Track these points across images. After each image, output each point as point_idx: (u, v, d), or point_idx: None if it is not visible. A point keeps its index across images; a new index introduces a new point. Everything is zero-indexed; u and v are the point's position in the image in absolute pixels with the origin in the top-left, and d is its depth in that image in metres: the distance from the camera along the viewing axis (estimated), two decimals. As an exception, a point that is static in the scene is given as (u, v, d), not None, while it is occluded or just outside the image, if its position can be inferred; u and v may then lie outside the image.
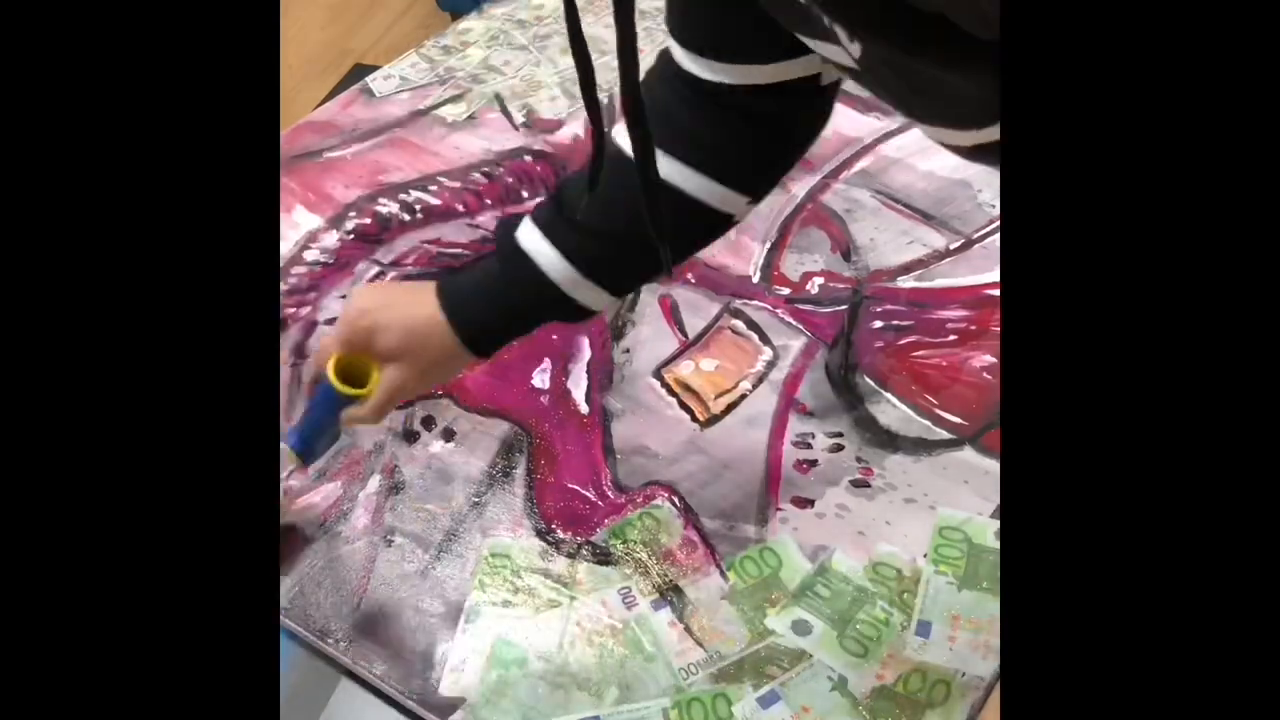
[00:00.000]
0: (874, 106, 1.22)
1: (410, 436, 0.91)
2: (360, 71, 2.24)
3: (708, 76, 0.64)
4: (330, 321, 1.02)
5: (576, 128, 1.24)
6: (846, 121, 1.19)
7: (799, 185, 1.12)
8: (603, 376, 0.94)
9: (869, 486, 0.84)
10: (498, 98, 1.30)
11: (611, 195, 0.68)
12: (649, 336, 0.98)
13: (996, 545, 0.79)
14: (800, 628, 0.75)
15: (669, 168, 0.66)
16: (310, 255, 1.09)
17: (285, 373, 0.97)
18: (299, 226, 1.12)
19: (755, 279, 1.02)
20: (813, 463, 0.86)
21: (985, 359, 0.93)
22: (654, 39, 1.31)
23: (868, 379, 0.93)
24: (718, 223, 0.70)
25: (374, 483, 0.87)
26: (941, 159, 1.14)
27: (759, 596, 0.77)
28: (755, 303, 1.00)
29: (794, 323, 0.98)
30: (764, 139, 0.67)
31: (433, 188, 1.17)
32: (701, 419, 0.90)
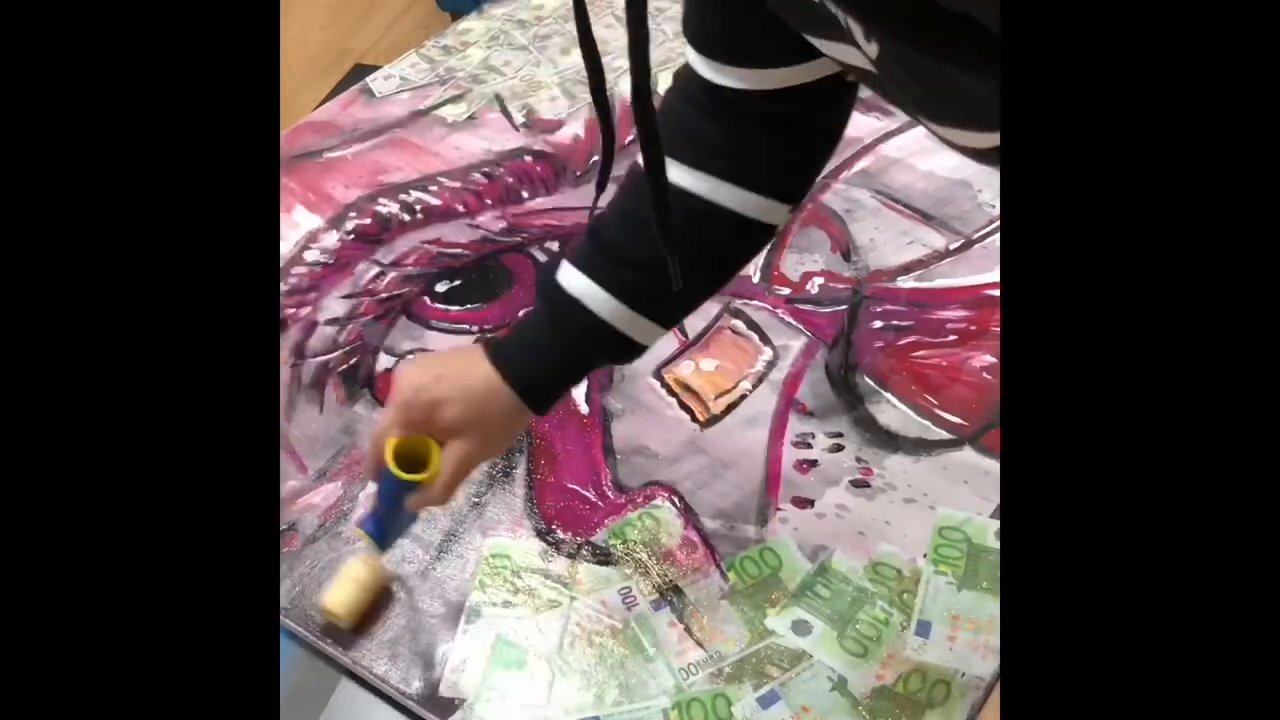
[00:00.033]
0: (874, 106, 1.22)
1: (410, 436, 0.91)
2: (360, 71, 2.25)
3: (723, 81, 0.63)
4: (331, 321, 1.02)
5: (576, 128, 1.24)
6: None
7: (799, 185, 1.12)
8: (603, 376, 0.94)
9: (869, 486, 0.84)
10: (498, 98, 1.30)
11: (648, 223, 0.66)
12: (649, 336, 0.98)
13: (996, 545, 0.79)
14: (800, 628, 0.75)
15: (705, 184, 0.65)
16: (310, 255, 1.09)
17: (285, 373, 0.97)
18: (299, 226, 1.12)
19: (755, 279, 1.02)
20: (813, 463, 0.86)
21: (985, 359, 0.93)
22: (653, 39, 1.31)
23: (868, 379, 0.93)
24: (760, 233, 0.69)
25: (373, 485, 0.87)
26: (941, 159, 1.14)
27: (759, 596, 0.77)
28: (755, 303, 1.00)
29: (794, 323, 0.98)
30: (788, 143, 0.66)
31: (433, 188, 1.17)
32: (701, 419, 0.90)
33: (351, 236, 1.11)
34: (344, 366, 0.97)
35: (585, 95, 1.29)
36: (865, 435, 0.88)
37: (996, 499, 0.81)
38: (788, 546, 0.80)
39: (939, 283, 1.01)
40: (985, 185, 1.11)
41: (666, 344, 0.96)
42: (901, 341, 0.96)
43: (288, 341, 1.00)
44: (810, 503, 0.83)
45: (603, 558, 0.81)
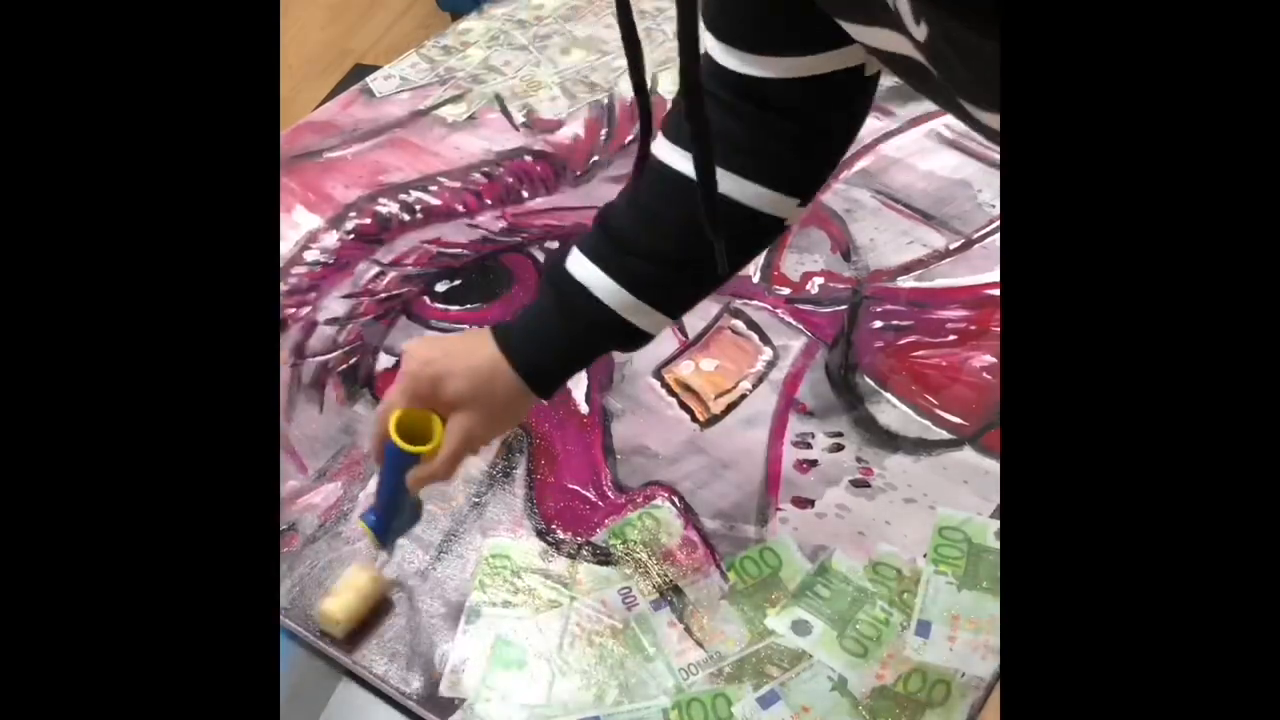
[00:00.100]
0: (874, 106, 1.21)
1: (410, 436, 0.91)
2: (360, 71, 2.25)
3: (745, 70, 0.63)
4: (331, 321, 1.02)
5: (576, 128, 1.24)
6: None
7: (799, 185, 1.12)
8: (603, 376, 0.94)
9: (869, 486, 0.84)
10: (498, 98, 1.30)
11: (660, 215, 0.67)
12: (649, 336, 0.98)
13: (996, 545, 0.79)
14: (800, 628, 0.75)
15: (723, 180, 0.65)
16: (310, 255, 1.09)
17: (285, 373, 0.97)
18: (299, 226, 1.12)
19: (755, 279, 1.02)
20: (813, 463, 0.86)
21: (985, 359, 0.93)
22: (653, 39, 1.32)
23: (868, 379, 0.93)
24: (770, 228, 0.69)
25: (374, 483, 0.87)
26: (941, 159, 1.14)
27: (759, 596, 0.77)
28: (755, 303, 1.00)
29: (794, 323, 0.98)
30: (804, 137, 0.66)
31: (433, 188, 1.17)
32: (701, 419, 0.90)
33: (351, 236, 1.11)
34: (344, 366, 0.97)
35: (585, 95, 1.29)
36: (865, 435, 0.88)
37: (996, 499, 0.81)
38: (788, 546, 0.80)
39: (939, 283, 1.01)
40: (985, 185, 1.11)
41: (667, 344, 0.96)
42: (901, 341, 0.96)
43: (288, 341, 1.00)
44: (810, 503, 0.83)
45: (603, 558, 0.81)
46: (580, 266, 0.69)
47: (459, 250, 1.09)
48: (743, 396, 0.92)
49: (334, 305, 1.04)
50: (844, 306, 0.99)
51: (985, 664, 0.72)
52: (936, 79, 0.52)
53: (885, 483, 0.84)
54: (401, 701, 0.74)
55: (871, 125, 1.19)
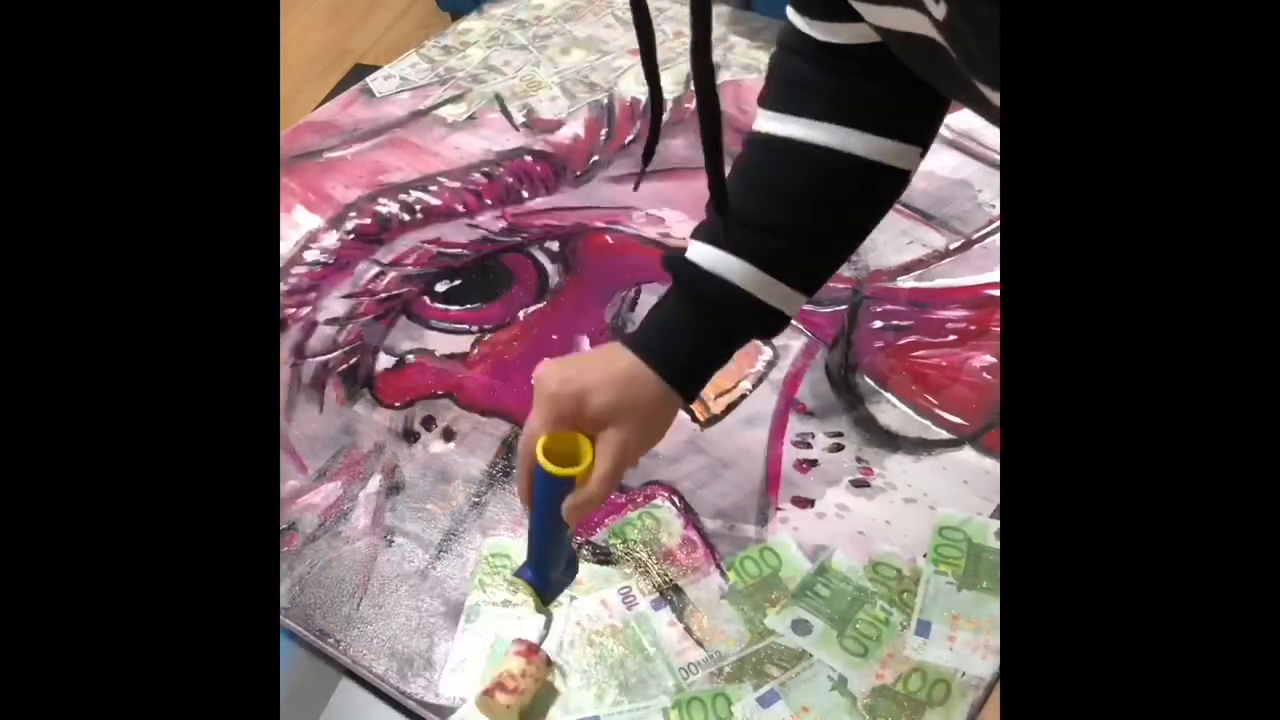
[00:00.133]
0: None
1: (410, 436, 0.91)
2: (360, 71, 2.25)
3: (828, 38, 0.62)
4: (331, 321, 1.02)
5: (576, 127, 1.24)
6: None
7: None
8: (603, 376, 0.94)
9: (869, 486, 0.84)
10: (498, 98, 1.30)
11: (777, 186, 0.65)
12: (649, 336, 0.98)
13: (996, 545, 0.79)
14: (800, 628, 0.75)
15: (829, 134, 0.63)
16: (310, 255, 1.09)
17: (285, 373, 0.97)
18: (299, 226, 1.12)
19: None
20: (813, 463, 0.86)
21: (985, 359, 0.93)
22: (659, 29, 1.31)
23: (868, 379, 0.93)
24: (893, 181, 0.67)
25: (374, 483, 0.87)
26: (942, 159, 1.14)
27: (759, 596, 0.77)
28: (755, 303, 1.00)
29: (794, 323, 0.98)
30: (905, 88, 0.64)
31: (433, 188, 1.17)
32: (701, 419, 0.90)
33: (351, 236, 1.11)
34: (344, 366, 0.97)
35: (585, 95, 1.29)
36: (865, 435, 0.88)
37: (996, 499, 0.81)
38: (788, 546, 0.80)
39: (939, 283, 1.01)
40: (985, 185, 1.11)
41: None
42: (901, 341, 0.96)
43: (288, 341, 1.00)
44: (810, 502, 0.83)
45: (603, 557, 0.81)
46: (701, 251, 0.66)
47: (459, 250, 1.09)
48: (743, 396, 0.92)
49: (334, 305, 1.04)
50: (844, 306, 0.99)
51: (985, 664, 0.72)
52: (950, 60, 0.51)
53: (885, 483, 0.84)
54: (401, 701, 0.74)
55: (871, 125, 1.19)
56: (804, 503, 0.83)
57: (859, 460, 0.86)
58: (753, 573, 0.79)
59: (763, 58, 1.30)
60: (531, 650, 0.72)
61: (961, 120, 1.19)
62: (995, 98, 0.51)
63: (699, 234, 0.67)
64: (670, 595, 0.78)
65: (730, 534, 0.82)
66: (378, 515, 0.84)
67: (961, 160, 1.14)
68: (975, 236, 1.06)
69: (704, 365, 0.69)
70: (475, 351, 0.98)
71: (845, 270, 1.03)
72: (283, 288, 1.05)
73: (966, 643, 0.73)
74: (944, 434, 0.87)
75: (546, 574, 0.69)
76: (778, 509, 0.83)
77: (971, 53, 0.50)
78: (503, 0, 1.48)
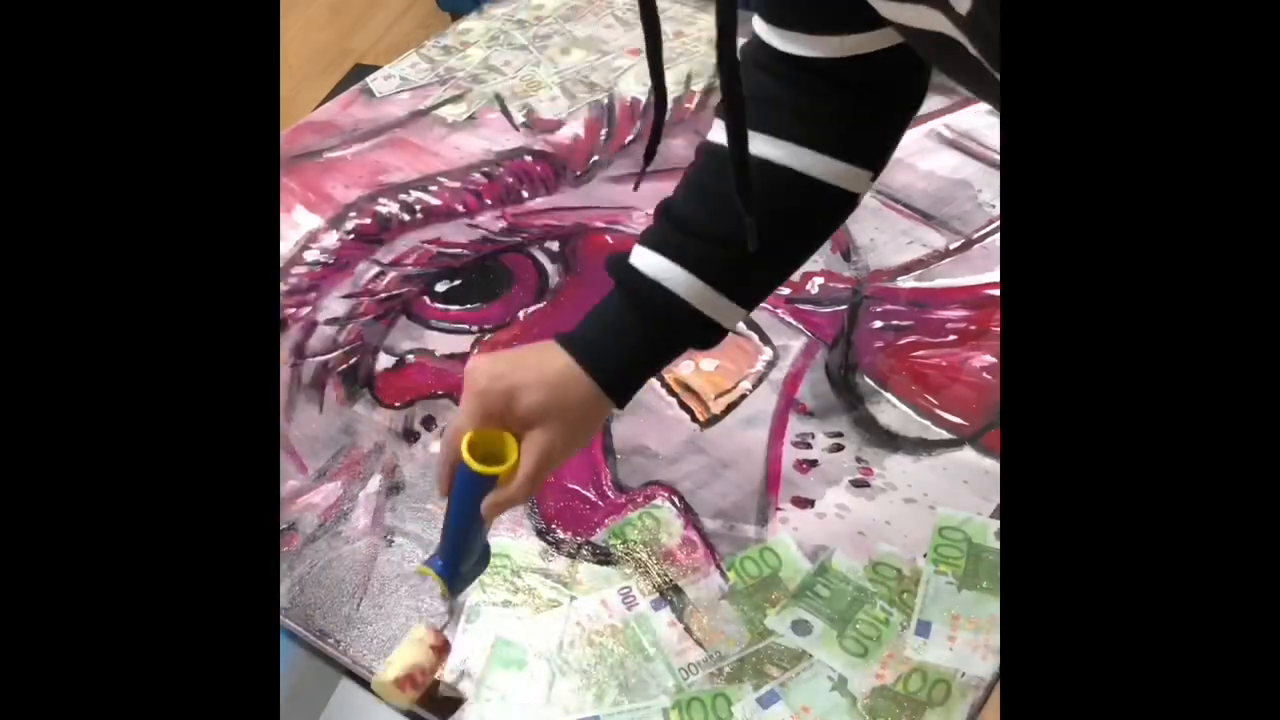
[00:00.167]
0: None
1: (410, 436, 0.91)
2: (360, 71, 2.25)
3: (795, 50, 0.62)
4: (331, 321, 1.02)
5: (576, 127, 1.24)
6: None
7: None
8: (603, 376, 0.94)
9: (869, 486, 0.84)
10: (498, 98, 1.30)
11: (726, 197, 0.64)
12: (649, 336, 0.98)
13: (996, 545, 0.79)
14: (800, 628, 0.75)
15: (784, 151, 0.63)
16: (310, 255, 1.09)
17: (285, 373, 0.97)
18: (299, 226, 1.12)
19: (755, 279, 1.02)
20: (813, 463, 0.86)
21: (985, 359, 0.93)
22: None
23: (868, 379, 0.93)
24: (842, 203, 0.67)
25: (374, 483, 0.87)
26: (942, 159, 1.14)
27: (759, 596, 0.77)
28: (755, 303, 1.00)
29: (794, 323, 0.98)
30: (865, 108, 0.64)
31: (433, 188, 1.17)
32: (701, 419, 0.90)
33: (351, 236, 1.11)
34: (344, 366, 0.97)
35: (585, 95, 1.29)
36: (865, 435, 0.88)
37: (996, 499, 0.81)
38: (788, 546, 0.80)
39: (939, 283, 1.01)
40: (985, 185, 1.11)
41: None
42: (901, 341, 0.96)
43: (288, 341, 1.00)
44: (810, 503, 0.83)
45: (603, 557, 0.81)
46: (647, 259, 0.66)
47: (459, 250, 1.09)
48: (743, 396, 0.92)
49: (334, 305, 1.04)
50: (844, 306, 0.99)
51: (985, 664, 0.72)
52: (968, 57, 0.51)
53: (885, 483, 0.84)
54: (401, 701, 0.74)
55: (871, 125, 1.19)
56: (804, 503, 0.83)
57: (859, 460, 0.86)
58: (753, 573, 0.79)
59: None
60: (445, 648, 0.72)
61: (962, 120, 1.19)
62: None
63: (646, 239, 0.67)
64: (670, 595, 0.78)
65: (730, 534, 0.82)
66: (378, 515, 0.84)
67: (961, 160, 1.14)
68: (975, 236, 1.06)
69: (639, 372, 0.69)
70: (475, 351, 0.98)
71: (845, 270, 1.03)
72: (283, 288, 1.05)
73: (966, 643, 0.73)
74: (944, 434, 0.87)
75: (458, 566, 0.69)
76: (778, 509, 0.83)
77: (995, 47, 0.49)
78: (503, 0, 1.48)
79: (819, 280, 1.02)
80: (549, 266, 1.06)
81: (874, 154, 0.67)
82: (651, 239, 0.66)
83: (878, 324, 0.98)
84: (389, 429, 0.91)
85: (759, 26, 0.64)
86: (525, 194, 1.16)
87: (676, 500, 0.84)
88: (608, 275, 0.68)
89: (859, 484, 0.84)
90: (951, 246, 1.05)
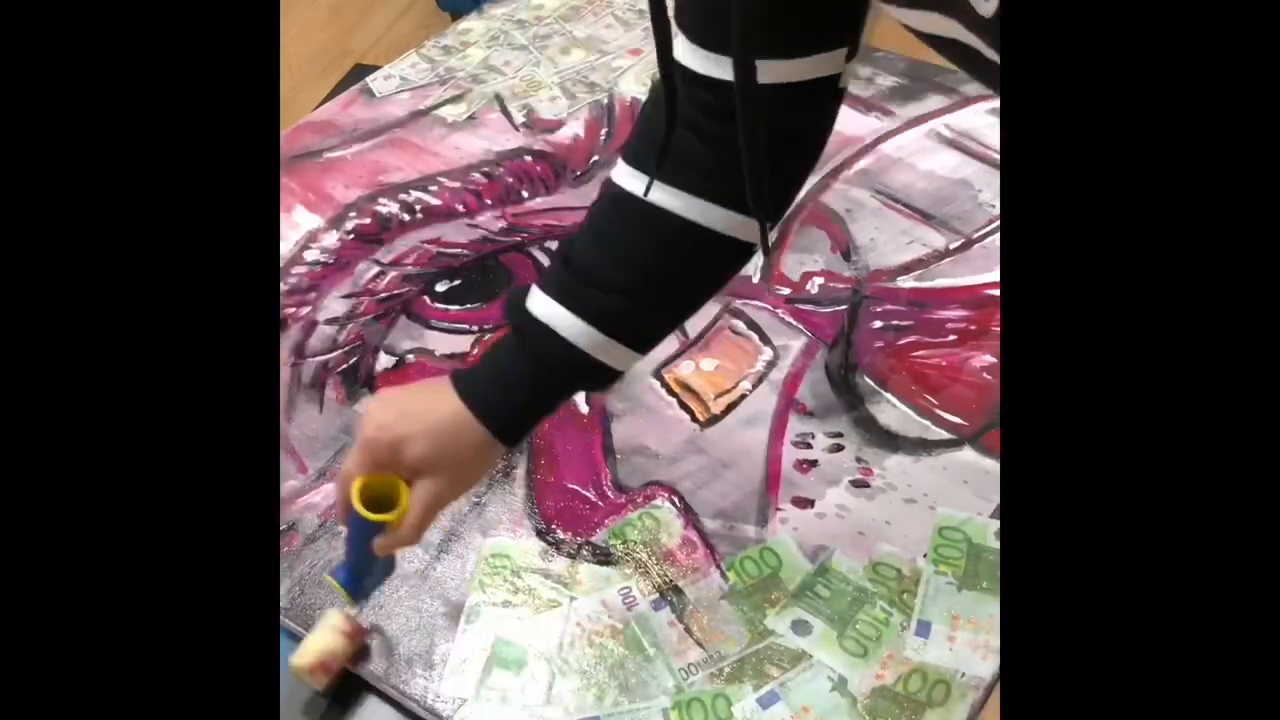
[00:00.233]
0: (874, 106, 1.22)
1: (410, 436, 0.90)
2: (360, 71, 2.24)
3: (718, 75, 0.60)
4: (331, 321, 1.02)
5: (576, 128, 1.24)
6: (846, 121, 1.18)
7: (799, 185, 1.12)
8: (603, 376, 0.94)
9: (869, 486, 0.84)
10: (498, 98, 1.30)
11: (622, 245, 0.65)
12: (649, 336, 0.97)
13: (996, 545, 0.79)
14: (800, 628, 0.75)
15: (684, 202, 0.63)
16: (310, 255, 1.09)
17: (285, 373, 0.97)
18: (299, 226, 1.12)
19: (755, 279, 1.02)
20: (813, 463, 0.86)
21: (985, 359, 0.93)
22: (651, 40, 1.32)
23: (868, 379, 0.93)
24: (740, 253, 0.67)
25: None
26: (941, 159, 1.14)
27: (759, 596, 0.77)
28: (755, 302, 1.00)
29: (794, 323, 0.98)
30: (779, 155, 0.63)
31: (433, 188, 1.17)
32: (701, 419, 0.90)
33: (351, 236, 1.11)
34: (344, 366, 0.97)
35: (585, 95, 1.29)
36: (865, 435, 0.88)
37: (996, 499, 0.81)
38: (788, 546, 0.80)
39: (939, 283, 1.01)
40: (985, 185, 1.11)
41: (667, 344, 0.95)
42: (901, 341, 0.96)
43: (288, 341, 1.00)
44: (810, 503, 0.83)
45: (603, 558, 0.81)
46: (543, 305, 0.66)
47: (459, 250, 1.09)
48: (743, 396, 0.92)
49: (334, 305, 1.04)
50: (844, 306, 0.99)
51: (985, 664, 0.72)
52: (987, 60, 0.51)
53: (885, 483, 0.84)
54: (401, 701, 0.74)
55: (871, 125, 1.19)
56: (804, 503, 0.83)
57: (859, 460, 0.86)
58: (753, 573, 0.79)
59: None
60: (358, 633, 0.75)
61: (962, 120, 1.19)
62: None
63: (545, 285, 0.66)
64: (670, 595, 0.78)
65: (730, 534, 0.82)
66: (378, 515, 0.84)
67: (961, 160, 1.14)
68: (975, 236, 1.06)
69: (531, 417, 0.69)
70: (475, 351, 0.98)
71: (845, 270, 1.03)
72: (283, 288, 1.05)
73: (966, 643, 0.73)
74: (944, 434, 0.87)
75: (360, 581, 0.73)
76: (778, 509, 0.83)
77: None
78: (503, 0, 1.48)
79: (819, 280, 1.02)
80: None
81: (776, 205, 0.67)
82: (551, 286, 0.66)
83: (878, 324, 0.98)
84: (389, 429, 0.91)
85: (681, 48, 0.61)
86: (525, 194, 1.16)
87: (676, 500, 0.84)
88: (505, 316, 0.69)
89: (859, 484, 0.84)
90: (951, 246, 1.05)
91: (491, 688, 0.73)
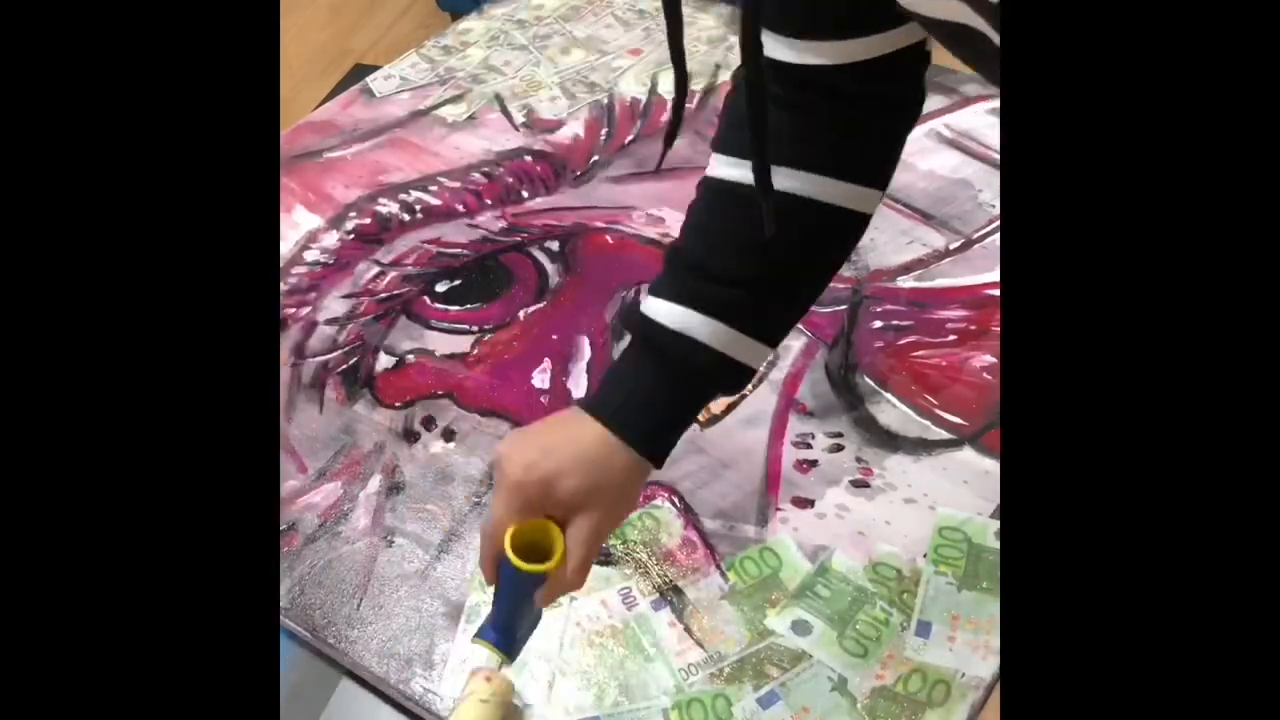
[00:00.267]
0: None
1: (410, 436, 0.91)
2: (360, 71, 2.24)
3: (800, 59, 0.60)
4: (331, 321, 1.02)
5: (576, 128, 1.24)
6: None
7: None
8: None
9: (869, 486, 0.84)
10: (498, 98, 1.30)
11: (735, 236, 0.63)
12: (649, 336, 0.97)
13: (996, 545, 0.79)
14: (800, 628, 0.75)
15: (789, 179, 0.61)
16: (310, 255, 1.09)
17: (285, 373, 0.97)
18: (299, 226, 1.12)
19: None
20: (813, 463, 0.86)
21: (985, 359, 0.93)
22: (654, 39, 1.32)
23: (868, 379, 0.93)
24: (853, 224, 0.65)
25: (374, 483, 0.87)
26: (941, 159, 1.14)
27: (759, 596, 0.77)
28: (755, 303, 1.00)
29: (794, 323, 0.98)
30: (868, 122, 0.63)
31: (433, 188, 1.17)
32: (701, 419, 0.90)
33: (351, 236, 1.11)
34: (344, 366, 0.97)
35: (585, 95, 1.29)
36: (865, 435, 0.88)
37: (996, 499, 0.81)
38: (788, 546, 0.80)
39: (939, 282, 1.01)
40: (985, 185, 1.11)
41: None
42: (901, 341, 0.96)
43: (288, 341, 1.00)
44: (810, 503, 0.83)
45: (603, 558, 0.80)
46: (666, 310, 0.63)
47: (459, 250, 1.09)
48: (743, 396, 0.92)
49: (334, 305, 1.04)
50: (844, 306, 0.99)
51: (985, 664, 0.72)
52: (992, 47, 0.50)
53: (885, 483, 0.84)
54: (401, 702, 0.74)
55: (871, 125, 1.19)
56: (804, 503, 0.83)
57: (859, 460, 0.86)
58: (753, 573, 0.79)
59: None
60: (507, 691, 0.70)
61: (962, 120, 1.19)
62: None
63: (660, 290, 0.64)
64: (670, 596, 0.78)
65: (730, 534, 0.82)
66: (378, 515, 0.84)
67: (961, 160, 1.14)
68: (975, 236, 1.06)
69: (676, 431, 0.67)
70: (475, 351, 0.98)
71: (845, 270, 1.03)
72: (283, 288, 1.05)
73: (966, 643, 0.73)
74: (944, 434, 0.87)
75: (514, 638, 0.67)
76: (778, 509, 0.83)
77: None
78: (503, 0, 1.48)
79: (819, 280, 1.02)
80: (549, 266, 1.06)
81: (877, 173, 0.65)
82: (666, 288, 0.64)
83: (878, 324, 0.98)
84: (389, 429, 0.91)
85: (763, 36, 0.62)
86: (525, 194, 1.16)
87: (676, 500, 0.84)
88: (626, 330, 0.65)
89: (859, 484, 0.84)
90: (951, 246, 1.05)
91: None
